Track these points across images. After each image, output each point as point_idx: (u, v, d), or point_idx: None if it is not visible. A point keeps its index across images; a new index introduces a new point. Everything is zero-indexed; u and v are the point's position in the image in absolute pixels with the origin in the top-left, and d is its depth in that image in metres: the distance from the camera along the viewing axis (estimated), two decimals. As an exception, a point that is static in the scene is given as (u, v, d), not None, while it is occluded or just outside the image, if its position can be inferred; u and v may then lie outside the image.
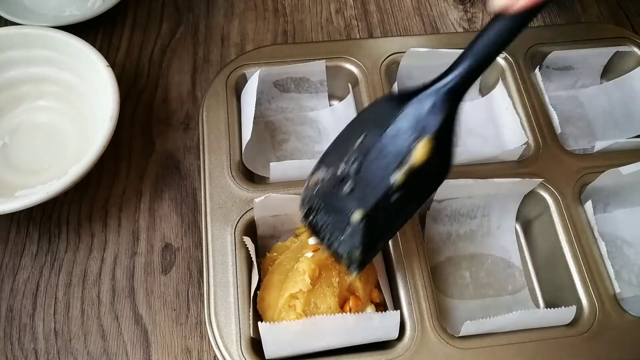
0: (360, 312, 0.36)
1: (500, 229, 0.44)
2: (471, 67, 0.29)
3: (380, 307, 0.38)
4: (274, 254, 0.40)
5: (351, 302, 0.36)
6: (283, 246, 0.40)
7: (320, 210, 0.32)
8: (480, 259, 0.44)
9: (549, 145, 0.44)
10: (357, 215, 0.31)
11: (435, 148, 0.29)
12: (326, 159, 0.32)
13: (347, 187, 0.31)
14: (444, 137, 0.29)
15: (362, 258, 0.32)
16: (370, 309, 0.37)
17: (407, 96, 0.30)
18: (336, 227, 0.32)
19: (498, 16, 0.29)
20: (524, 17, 0.28)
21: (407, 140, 0.29)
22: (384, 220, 0.31)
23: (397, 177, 0.30)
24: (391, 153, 0.30)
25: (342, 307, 0.36)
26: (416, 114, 0.29)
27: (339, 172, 0.31)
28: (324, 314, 0.35)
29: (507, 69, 0.48)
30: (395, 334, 0.36)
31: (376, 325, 0.35)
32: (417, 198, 0.31)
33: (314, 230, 0.33)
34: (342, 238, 0.32)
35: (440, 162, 0.30)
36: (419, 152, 0.29)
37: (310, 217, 0.33)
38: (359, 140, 0.31)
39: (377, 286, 0.39)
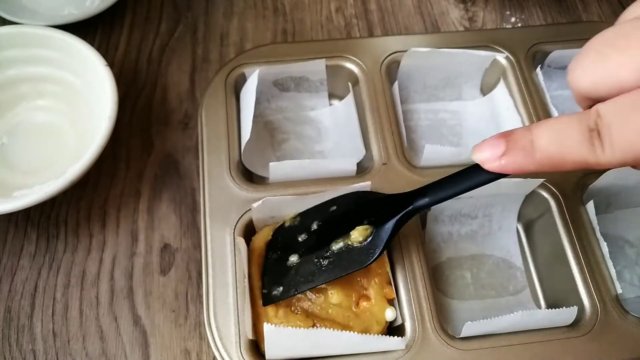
0: (372, 314, 0.36)
1: (501, 229, 0.44)
2: (439, 199, 0.33)
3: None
4: (256, 244, 0.39)
5: (360, 302, 0.37)
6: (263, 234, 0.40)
7: (277, 243, 0.38)
8: (481, 259, 0.44)
9: (550, 144, 0.44)
10: (293, 258, 0.36)
11: (370, 235, 0.34)
12: (304, 213, 0.38)
13: (301, 236, 0.37)
14: (384, 233, 0.34)
15: (278, 295, 0.36)
16: (390, 311, 0.36)
17: (381, 197, 0.36)
18: (279, 259, 0.37)
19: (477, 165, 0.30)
20: (496, 176, 0.30)
21: (356, 222, 0.35)
22: (307, 273, 0.35)
23: (335, 245, 0.35)
24: (342, 226, 0.35)
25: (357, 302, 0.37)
26: (376, 208, 0.36)
27: (305, 225, 0.37)
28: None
29: (508, 69, 0.48)
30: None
31: (381, 346, 0.35)
32: (344, 268, 0.35)
33: (267, 252, 0.38)
34: (274, 271, 0.37)
35: (372, 250, 0.34)
36: (357, 231, 0.34)
37: (269, 246, 0.39)
38: (330, 209, 0.37)
39: (389, 282, 0.38)
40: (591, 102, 0.25)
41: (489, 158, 0.27)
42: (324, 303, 0.36)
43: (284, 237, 0.38)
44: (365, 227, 0.34)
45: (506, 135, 0.27)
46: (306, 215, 0.38)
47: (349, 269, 0.34)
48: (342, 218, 0.36)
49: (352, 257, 0.34)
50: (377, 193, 0.38)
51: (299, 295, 0.36)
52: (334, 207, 0.37)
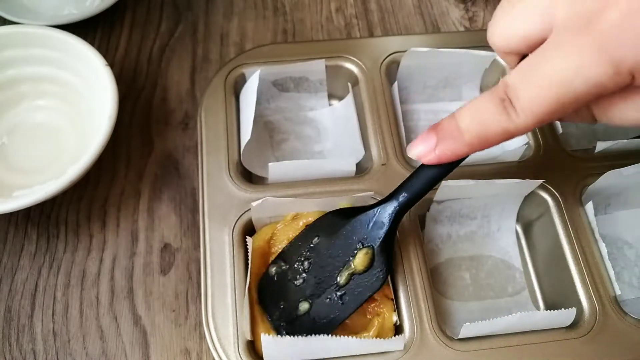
0: (378, 317, 0.36)
1: (500, 230, 0.44)
2: (408, 198, 0.34)
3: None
4: (255, 244, 0.39)
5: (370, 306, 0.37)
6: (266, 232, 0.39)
7: (274, 297, 0.36)
8: (480, 260, 0.44)
9: (549, 145, 0.44)
10: (304, 306, 0.36)
11: (372, 257, 0.34)
12: (284, 255, 0.37)
13: (298, 281, 0.36)
14: (383, 249, 0.34)
15: None
16: (394, 315, 0.37)
17: (358, 211, 0.35)
18: (286, 313, 0.36)
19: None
20: (444, 168, 0.31)
21: (351, 248, 0.35)
22: (326, 314, 0.35)
23: (341, 278, 0.35)
24: (338, 256, 0.35)
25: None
26: (362, 227, 0.35)
27: (294, 267, 0.36)
28: None
29: (508, 68, 0.48)
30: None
31: (379, 347, 0.35)
32: (360, 297, 0.35)
33: (267, 309, 0.37)
34: (288, 325, 0.36)
35: (379, 270, 0.34)
36: (359, 259, 0.34)
37: (265, 302, 0.37)
38: (313, 241, 0.36)
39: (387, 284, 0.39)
40: (517, 57, 0.27)
41: (423, 152, 0.29)
42: None
43: (278, 287, 0.36)
44: (364, 251, 0.34)
45: (434, 127, 0.28)
46: (290, 256, 0.37)
47: (364, 295, 0.34)
48: (333, 246, 0.35)
49: (363, 283, 0.34)
50: (354, 208, 0.36)
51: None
52: (317, 237, 0.36)
